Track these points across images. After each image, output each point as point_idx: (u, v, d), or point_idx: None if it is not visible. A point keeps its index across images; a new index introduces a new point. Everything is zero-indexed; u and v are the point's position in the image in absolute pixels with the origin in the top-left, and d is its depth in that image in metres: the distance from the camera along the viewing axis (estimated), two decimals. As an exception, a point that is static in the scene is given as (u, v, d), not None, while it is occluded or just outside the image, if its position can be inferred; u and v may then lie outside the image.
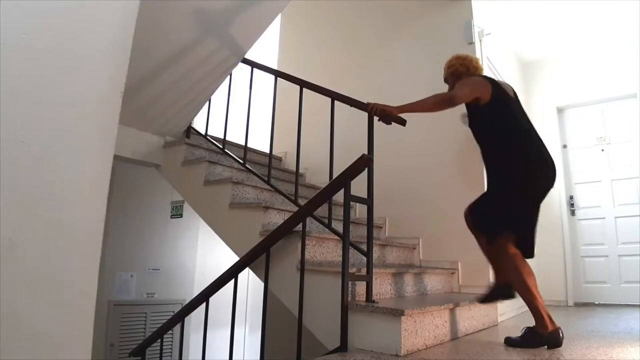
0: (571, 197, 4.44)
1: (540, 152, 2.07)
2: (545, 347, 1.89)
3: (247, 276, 4.62)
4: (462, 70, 2.32)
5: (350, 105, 2.52)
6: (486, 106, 2.11)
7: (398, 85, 3.43)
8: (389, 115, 2.22)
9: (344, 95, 2.58)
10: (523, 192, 2.03)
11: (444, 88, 2.40)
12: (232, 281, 2.31)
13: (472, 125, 2.24)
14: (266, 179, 2.84)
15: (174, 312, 3.46)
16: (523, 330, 1.96)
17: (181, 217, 4.50)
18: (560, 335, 1.90)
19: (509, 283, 2.07)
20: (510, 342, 1.96)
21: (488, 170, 2.19)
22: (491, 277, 2.84)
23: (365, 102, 2.35)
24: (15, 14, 0.96)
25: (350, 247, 2.01)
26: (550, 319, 1.92)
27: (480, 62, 2.43)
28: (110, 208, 3.56)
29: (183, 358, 3.62)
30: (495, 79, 2.28)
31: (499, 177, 2.10)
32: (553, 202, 4.45)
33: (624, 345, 2.01)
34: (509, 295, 2.11)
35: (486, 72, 3.39)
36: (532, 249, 2.09)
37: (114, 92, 1.15)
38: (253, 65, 3.05)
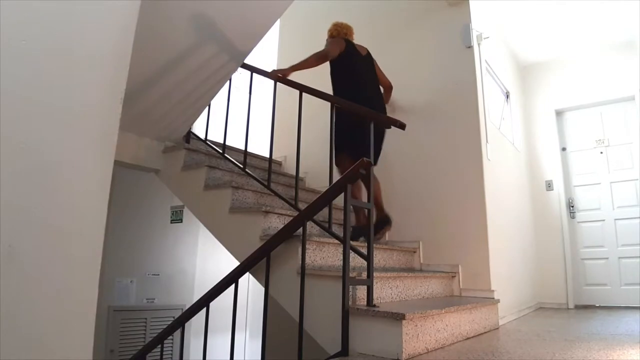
0: (571, 200, 4.44)
1: (366, 96, 2.80)
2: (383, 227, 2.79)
3: (247, 281, 4.61)
4: (335, 34, 3.18)
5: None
6: (339, 58, 2.95)
7: (397, 88, 3.43)
8: (281, 77, 2.86)
9: (343, 100, 2.59)
10: (352, 122, 2.65)
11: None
12: (233, 286, 2.30)
13: (331, 72, 3.03)
14: (266, 183, 2.83)
15: (174, 317, 3.45)
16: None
17: (181, 222, 4.49)
18: (389, 217, 2.85)
19: (385, 215, 2.83)
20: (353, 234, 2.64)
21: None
22: (492, 279, 2.85)
23: (270, 70, 2.96)
24: (14, 19, 0.97)
25: (350, 251, 2.01)
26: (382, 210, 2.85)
27: (352, 30, 3.24)
28: (110, 213, 3.56)
29: (183, 364, 3.60)
30: (352, 41, 3.11)
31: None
32: (553, 205, 4.45)
33: (624, 347, 2.01)
34: (388, 222, 2.84)
35: (484, 76, 3.42)
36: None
37: (114, 98, 1.16)
38: (252, 70, 3.05)
